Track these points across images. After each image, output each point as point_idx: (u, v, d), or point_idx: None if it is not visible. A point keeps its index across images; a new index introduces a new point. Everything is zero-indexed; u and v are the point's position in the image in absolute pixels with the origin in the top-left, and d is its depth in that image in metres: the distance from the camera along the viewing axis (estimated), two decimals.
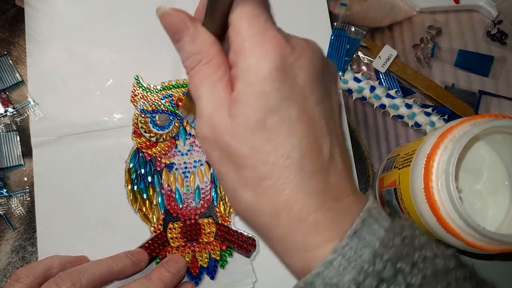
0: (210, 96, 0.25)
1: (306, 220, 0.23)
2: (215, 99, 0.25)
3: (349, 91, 0.44)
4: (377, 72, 0.46)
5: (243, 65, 0.24)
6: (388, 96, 0.43)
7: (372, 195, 0.26)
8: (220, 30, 0.26)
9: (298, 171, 0.23)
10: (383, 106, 0.43)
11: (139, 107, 0.43)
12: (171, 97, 0.43)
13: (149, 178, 0.42)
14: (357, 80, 0.44)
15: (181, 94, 0.43)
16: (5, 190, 0.42)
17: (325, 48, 0.46)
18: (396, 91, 0.44)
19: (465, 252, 0.33)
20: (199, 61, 0.26)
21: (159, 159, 0.42)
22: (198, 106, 0.26)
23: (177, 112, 0.43)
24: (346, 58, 0.46)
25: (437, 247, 0.24)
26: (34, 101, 0.44)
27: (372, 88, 0.43)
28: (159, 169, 0.42)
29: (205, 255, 0.41)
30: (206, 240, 0.41)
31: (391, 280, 0.22)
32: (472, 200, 0.35)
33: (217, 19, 0.25)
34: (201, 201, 0.42)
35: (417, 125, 0.43)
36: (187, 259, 0.41)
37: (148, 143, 0.42)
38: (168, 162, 0.42)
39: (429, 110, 0.43)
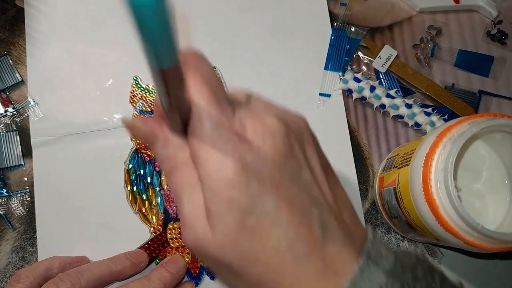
0: (189, 203, 0.24)
1: None
2: (194, 205, 0.24)
3: (349, 91, 0.44)
4: (377, 72, 0.46)
5: (202, 172, 0.23)
6: (388, 96, 0.43)
7: (371, 231, 0.26)
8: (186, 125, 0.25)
9: (291, 260, 0.23)
10: (383, 106, 0.43)
11: (138, 108, 0.43)
12: None
13: (149, 179, 0.42)
14: (357, 80, 0.44)
15: None
16: (5, 190, 0.42)
17: (325, 48, 0.46)
18: (396, 91, 0.44)
19: (464, 251, 0.33)
20: (174, 165, 0.25)
21: None
22: (179, 211, 0.25)
23: None
24: (346, 58, 0.46)
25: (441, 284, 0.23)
26: (34, 101, 0.44)
27: (372, 88, 0.43)
28: (158, 169, 0.42)
29: None
30: None
31: None
32: (472, 200, 0.35)
33: (178, 119, 0.24)
34: None
35: (417, 125, 0.43)
36: (187, 259, 0.41)
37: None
38: None
39: (429, 110, 0.43)
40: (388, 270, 0.23)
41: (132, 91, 0.43)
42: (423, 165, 0.31)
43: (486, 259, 0.42)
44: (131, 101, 0.43)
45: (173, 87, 0.21)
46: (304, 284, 0.23)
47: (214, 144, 0.23)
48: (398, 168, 0.36)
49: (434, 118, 0.43)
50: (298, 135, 0.25)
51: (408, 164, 0.34)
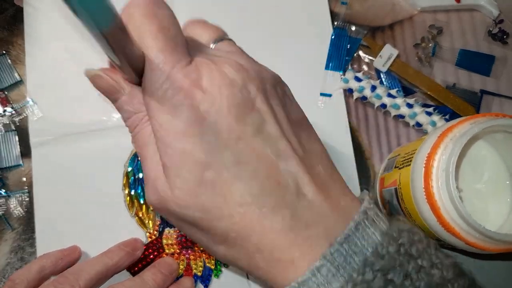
0: (150, 160, 0.23)
1: (281, 259, 0.22)
2: (154, 163, 0.23)
3: (350, 90, 0.44)
4: (377, 71, 0.45)
5: (154, 124, 0.22)
6: (389, 95, 0.43)
7: (367, 195, 0.25)
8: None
9: (256, 214, 0.22)
10: (384, 105, 0.43)
11: None
12: None
13: None
14: (357, 79, 0.43)
15: None
16: (3, 191, 0.42)
17: (326, 47, 0.45)
18: (397, 91, 0.44)
19: (466, 252, 0.33)
20: (140, 120, 0.24)
21: None
22: (143, 169, 0.24)
23: None
24: (346, 58, 0.45)
25: (436, 255, 0.22)
26: (33, 101, 0.43)
27: (373, 88, 0.43)
28: None
29: (200, 264, 0.40)
30: (201, 248, 0.40)
31: None
32: (474, 200, 0.35)
33: (132, 72, 0.23)
34: None
35: (418, 125, 0.43)
36: (182, 266, 0.40)
37: None
38: None
39: (431, 109, 0.43)
40: (384, 232, 0.23)
41: None
42: (424, 165, 0.31)
43: (486, 260, 0.42)
44: None
45: (119, 46, 0.20)
46: (272, 238, 0.22)
47: (164, 94, 0.22)
48: (399, 169, 0.36)
49: (436, 118, 0.43)
50: (261, 87, 0.24)
51: (409, 165, 0.34)
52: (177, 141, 0.22)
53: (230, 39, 0.27)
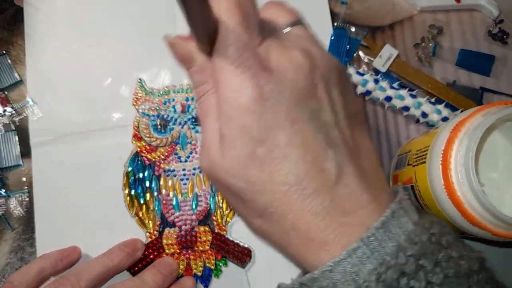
0: (209, 128, 0.25)
1: (314, 240, 0.23)
2: (213, 131, 0.25)
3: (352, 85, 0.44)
4: (377, 72, 0.45)
5: (220, 96, 0.24)
6: (392, 88, 0.43)
7: (401, 187, 0.26)
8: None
9: (297, 195, 0.23)
10: (388, 98, 0.43)
11: (140, 110, 0.43)
12: (173, 101, 0.43)
13: (147, 183, 0.41)
14: (360, 74, 0.43)
15: (183, 99, 0.43)
16: (3, 191, 0.42)
17: (325, 47, 0.45)
18: (398, 84, 0.43)
19: (475, 238, 0.33)
20: (207, 91, 0.25)
21: (158, 164, 0.42)
22: (202, 135, 0.26)
23: (179, 116, 0.42)
24: (345, 59, 0.45)
25: (464, 247, 0.24)
26: (33, 101, 0.43)
27: (376, 81, 0.43)
28: (157, 174, 0.42)
29: (200, 264, 0.40)
30: (201, 249, 0.40)
31: (412, 275, 0.22)
32: (491, 189, 0.35)
33: (206, 41, 0.24)
34: (198, 209, 0.41)
35: (424, 115, 0.43)
36: (182, 266, 0.40)
37: (148, 148, 0.42)
38: (167, 168, 0.42)
39: (433, 100, 0.43)
40: (416, 221, 0.24)
41: (135, 93, 0.43)
42: (441, 162, 0.31)
43: (505, 247, 0.42)
44: (134, 103, 0.43)
45: (197, 13, 0.21)
46: (308, 219, 0.23)
47: (235, 69, 0.23)
48: (413, 166, 0.35)
49: (439, 106, 0.42)
50: (325, 75, 0.25)
51: (423, 162, 0.33)
52: (239, 116, 0.23)
53: (304, 24, 0.28)
